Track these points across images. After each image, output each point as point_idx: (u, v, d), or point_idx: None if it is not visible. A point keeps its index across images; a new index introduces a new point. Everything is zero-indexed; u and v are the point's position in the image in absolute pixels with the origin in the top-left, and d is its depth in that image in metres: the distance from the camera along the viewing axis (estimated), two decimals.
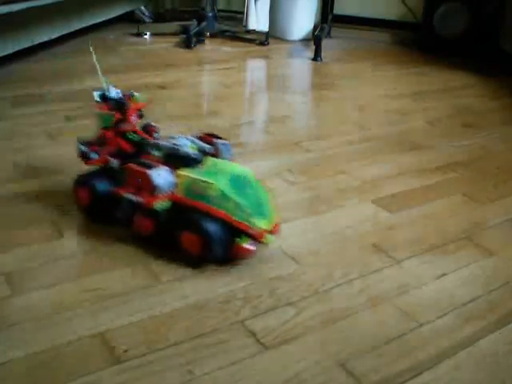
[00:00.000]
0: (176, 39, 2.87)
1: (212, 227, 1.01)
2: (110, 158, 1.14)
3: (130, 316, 0.92)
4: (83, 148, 1.18)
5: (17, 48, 2.30)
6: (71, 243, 1.12)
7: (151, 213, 1.05)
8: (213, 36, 3.02)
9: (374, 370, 0.84)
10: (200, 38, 2.88)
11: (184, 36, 2.81)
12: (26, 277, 1.01)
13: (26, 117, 1.77)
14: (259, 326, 0.91)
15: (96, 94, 1.16)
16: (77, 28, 2.73)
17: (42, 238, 1.13)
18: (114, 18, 3.06)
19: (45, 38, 2.48)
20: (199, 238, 1.01)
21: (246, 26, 2.99)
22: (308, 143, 1.68)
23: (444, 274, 1.08)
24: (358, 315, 0.96)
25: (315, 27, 3.00)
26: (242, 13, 3.00)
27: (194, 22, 2.91)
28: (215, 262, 1.05)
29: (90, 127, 1.71)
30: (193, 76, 2.35)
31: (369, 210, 1.31)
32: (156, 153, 1.11)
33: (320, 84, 2.41)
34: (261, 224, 1.03)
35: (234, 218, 1.01)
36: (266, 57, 2.76)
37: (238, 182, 1.05)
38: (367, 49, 3.00)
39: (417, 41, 3.03)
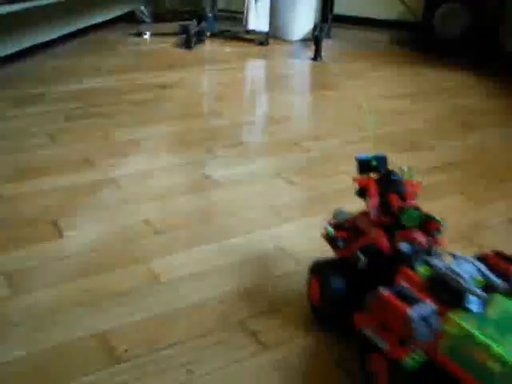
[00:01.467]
0: (176, 39, 2.87)
1: None
2: (359, 253, 0.84)
3: (130, 316, 0.92)
4: (331, 232, 0.92)
5: (17, 48, 2.30)
6: (71, 243, 1.12)
7: (395, 367, 0.71)
8: (213, 36, 3.02)
9: None
10: (200, 38, 2.88)
11: (184, 36, 2.81)
12: (26, 277, 1.01)
13: (26, 117, 1.78)
14: (259, 325, 0.92)
15: (360, 160, 0.90)
16: (77, 28, 2.73)
17: (42, 238, 1.13)
18: (114, 18, 3.06)
19: (45, 38, 2.48)
20: None
21: (245, 26, 2.99)
22: (308, 143, 1.68)
23: None
24: None
25: (315, 27, 3.00)
26: (242, 13, 3.00)
27: (194, 22, 2.92)
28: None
29: (89, 127, 1.72)
30: (193, 76, 2.35)
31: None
32: (422, 270, 0.75)
33: (320, 84, 2.41)
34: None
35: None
36: (265, 57, 2.76)
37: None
38: (367, 49, 3.00)
39: (416, 41, 3.03)
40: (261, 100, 2.17)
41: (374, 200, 0.83)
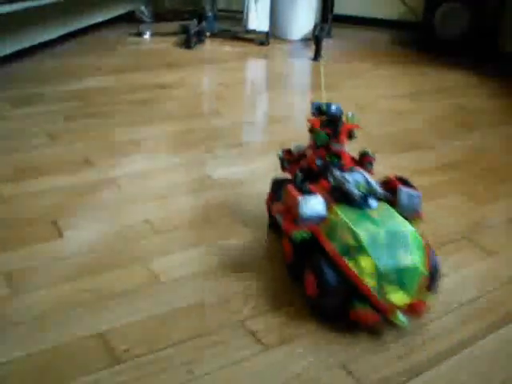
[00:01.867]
0: (176, 39, 2.87)
1: (332, 277, 0.88)
2: (298, 171, 1.11)
3: (130, 316, 0.92)
4: (281, 155, 1.21)
5: (17, 48, 2.30)
6: (71, 243, 1.12)
7: (291, 240, 0.97)
8: (213, 36, 3.02)
9: (374, 370, 0.84)
10: (200, 37, 2.88)
11: (184, 36, 2.80)
12: (26, 277, 1.01)
13: (25, 117, 1.77)
14: (259, 325, 0.92)
15: (314, 105, 1.13)
16: (77, 28, 2.73)
17: (42, 238, 1.13)
18: (114, 18, 3.06)
19: (45, 38, 2.48)
20: (316, 280, 0.91)
21: (246, 25, 2.99)
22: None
23: (444, 275, 1.08)
24: None
25: (315, 27, 3.00)
26: (242, 12, 2.99)
27: (194, 22, 2.91)
28: (326, 319, 0.93)
29: (89, 127, 1.72)
30: (193, 76, 2.35)
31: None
32: (332, 181, 1.00)
33: (319, 84, 2.41)
34: (394, 298, 0.86)
35: (362, 280, 0.86)
36: (266, 57, 2.76)
37: (393, 239, 0.89)
38: (367, 49, 3.00)
39: (416, 41, 3.03)
40: (261, 100, 2.17)
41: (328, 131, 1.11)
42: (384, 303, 0.87)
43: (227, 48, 2.86)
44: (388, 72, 2.57)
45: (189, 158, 1.55)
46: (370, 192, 0.97)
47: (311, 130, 1.11)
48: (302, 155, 1.14)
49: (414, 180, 1.47)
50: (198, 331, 0.90)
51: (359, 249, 0.87)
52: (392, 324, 0.89)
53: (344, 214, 0.92)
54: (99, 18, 2.92)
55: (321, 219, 0.95)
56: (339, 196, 0.97)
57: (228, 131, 1.76)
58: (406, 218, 0.95)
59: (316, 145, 1.10)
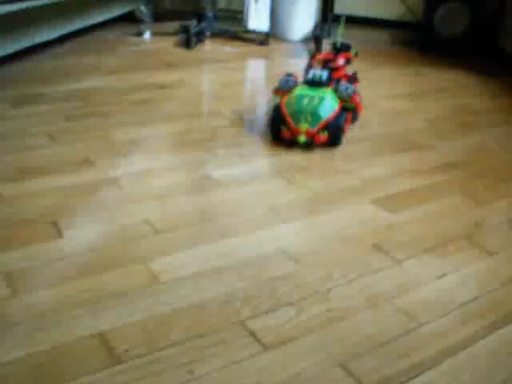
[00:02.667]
0: (176, 39, 2.87)
1: (274, 112, 1.67)
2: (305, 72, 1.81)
3: (130, 316, 0.92)
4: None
5: (17, 48, 2.30)
6: (71, 243, 1.12)
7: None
8: (213, 36, 3.02)
9: (374, 370, 0.84)
10: (200, 37, 2.88)
11: (184, 36, 2.80)
12: (26, 277, 1.01)
13: (26, 117, 1.77)
14: (259, 325, 0.92)
15: (333, 44, 1.87)
16: (77, 28, 2.72)
17: (42, 238, 1.13)
18: (114, 18, 3.05)
19: (45, 38, 2.48)
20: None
21: (246, 25, 2.99)
22: None
23: (444, 275, 1.08)
24: (358, 315, 0.96)
25: (315, 27, 2.99)
26: (242, 12, 2.99)
27: (194, 22, 2.91)
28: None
29: (89, 127, 1.72)
30: (193, 76, 2.35)
31: (368, 210, 1.31)
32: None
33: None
34: (301, 126, 1.59)
35: (288, 114, 1.62)
36: (266, 57, 2.76)
37: (315, 98, 1.64)
38: (367, 49, 2.99)
39: (416, 41, 3.03)
40: (261, 100, 2.17)
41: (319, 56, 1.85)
42: (295, 128, 1.61)
43: (227, 48, 2.86)
44: (388, 72, 2.57)
45: (189, 157, 1.55)
46: (319, 79, 1.71)
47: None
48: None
49: (413, 180, 1.48)
50: (198, 331, 0.90)
51: (293, 101, 1.65)
52: (298, 145, 1.61)
53: (301, 86, 1.72)
54: (99, 18, 2.92)
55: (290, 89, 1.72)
56: (304, 80, 1.75)
57: (228, 131, 1.76)
58: (342, 99, 1.69)
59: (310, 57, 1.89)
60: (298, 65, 2.69)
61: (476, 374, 0.85)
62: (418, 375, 0.84)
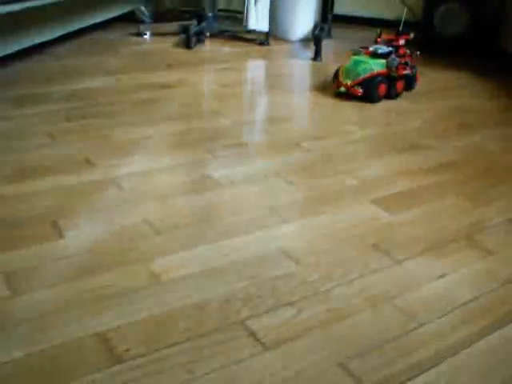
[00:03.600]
0: (176, 39, 2.87)
1: (336, 69, 2.20)
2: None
3: (130, 316, 0.92)
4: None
5: (17, 48, 2.30)
6: (71, 243, 1.12)
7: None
8: (213, 36, 3.02)
9: (374, 370, 0.84)
10: (200, 38, 2.88)
11: (184, 36, 2.80)
12: (26, 277, 1.01)
13: (26, 117, 1.78)
14: (259, 325, 0.92)
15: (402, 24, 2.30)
16: (77, 28, 2.73)
17: (42, 238, 1.13)
18: (114, 18, 3.06)
19: (45, 38, 2.48)
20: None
21: (246, 26, 2.99)
22: (308, 143, 1.69)
23: (444, 274, 1.08)
24: (358, 315, 0.96)
25: (315, 27, 3.00)
26: (242, 13, 2.99)
27: (194, 22, 2.91)
28: None
29: (90, 127, 1.72)
30: (193, 76, 2.35)
31: (368, 210, 1.31)
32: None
33: (320, 84, 2.41)
34: (345, 80, 2.11)
35: (342, 72, 2.14)
36: (265, 57, 2.76)
37: (363, 63, 2.09)
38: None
39: (416, 41, 3.03)
40: (261, 100, 2.17)
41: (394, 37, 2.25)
42: (340, 81, 2.14)
43: (227, 48, 2.86)
44: None
45: (189, 158, 1.55)
46: (379, 51, 2.15)
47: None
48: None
49: (413, 180, 1.48)
50: (198, 331, 0.90)
51: (351, 64, 2.13)
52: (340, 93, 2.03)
53: (361, 54, 2.18)
54: (99, 18, 2.92)
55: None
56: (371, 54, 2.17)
57: (228, 131, 1.76)
58: (389, 68, 2.11)
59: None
60: (298, 64, 2.69)
61: (476, 374, 0.85)
62: (417, 375, 0.84)
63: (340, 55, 2.83)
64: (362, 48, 2.19)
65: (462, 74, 2.56)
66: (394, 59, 2.10)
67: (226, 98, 2.10)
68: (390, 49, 2.15)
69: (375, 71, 2.08)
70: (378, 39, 2.25)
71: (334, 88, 2.17)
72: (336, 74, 2.17)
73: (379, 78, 2.09)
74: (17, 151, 1.53)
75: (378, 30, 2.25)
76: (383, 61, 2.10)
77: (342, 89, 2.11)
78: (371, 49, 2.15)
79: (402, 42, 2.23)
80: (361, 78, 2.07)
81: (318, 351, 0.87)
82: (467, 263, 1.13)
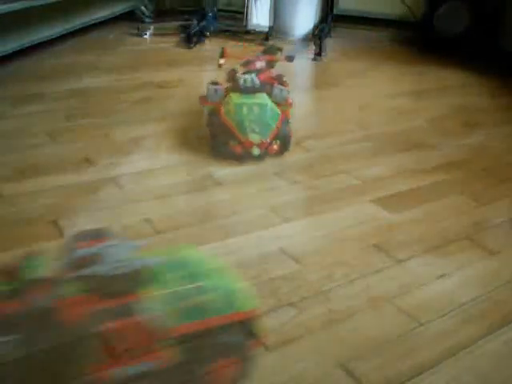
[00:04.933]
0: (176, 38, 2.86)
1: (217, 126, 1.52)
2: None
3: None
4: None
5: (17, 47, 2.30)
6: None
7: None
8: (213, 35, 3.01)
9: (376, 371, 0.84)
10: (200, 36, 2.87)
11: (184, 35, 2.80)
12: None
13: (25, 116, 1.77)
14: (260, 326, 0.91)
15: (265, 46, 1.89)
16: (77, 27, 2.72)
17: (42, 238, 1.12)
18: (114, 17, 3.05)
19: (45, 37, 2.47)
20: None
21: (246, 24, 2.98)
22: (308, 143, 1.68)
23: (445, 275, 1.08)
24: (359, 316, 0.96)
25: (316, 26, 2.99)
26: (243, 11, 2.99)
27: (195, 21, 2.91)
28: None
29: (89, 126, 1.72)
30: (193, 75, 2.34)
31: (369, 210, 1.31)
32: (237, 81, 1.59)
33: (321, 83, 2.41)
34: (253, 138, 1.47)
35: (234, 127, 1.47)
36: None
37: (257, 105, 1.49)
38: (367, 48, 2.99)
39: (417, 39, 3.03)
40: None
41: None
42: (247, 141, 1.47)
43: (228, 47, 2.85)
44: (389, 71, 2.56)
45: (190, 157, 1.54)
46: (252, 84, 1.55)
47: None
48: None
49: (414, 179, 1.48)
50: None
51: (234, 111, 1.47)
52: (250, 157, 1.48)
53: (232, 94, 1.53)
54: (99, 16, 2.91)
55: (218, 98, 1.55)
56: (234, 87, 1.56)
57: None
58: (278, 104, 1.55)
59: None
60: (300, 62, 2.69)
61: (477, 374, 0.85)
62: (419, 376, 0.83)
63: (341, 54, 2.83)
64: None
65: (463, 73, 2.55)
66: (282, 90, 1.57)
67: None
68: (255, 77, 1.58)
69: (281, 114, 1.54)
70: (221, 60, 1.80)
71: (235, 151, 1.49)
72: (224, 133, 1.49)
73: (288, 121, 1.58)
74: (16, 150, 1.52)
75: (221, 49, 1.79)
76: (265, 96, 1.54)
77: (256, 150, 1.48)
78: (241, 83, 1.55)
79: (259, 64, 1.70)
80: (275, 128, 1.50)
81: (319, 352, 0.87)
82: (469, 263, 1.12)
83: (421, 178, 1.49)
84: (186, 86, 2.18)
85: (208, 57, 2.68)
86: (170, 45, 2.79)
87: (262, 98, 1.53)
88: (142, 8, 3.23)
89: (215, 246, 1.13)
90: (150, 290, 0.69)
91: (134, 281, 0.68)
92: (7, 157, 1.49)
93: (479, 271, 1.10)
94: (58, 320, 0.68)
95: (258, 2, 2.93)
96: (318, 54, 2.68)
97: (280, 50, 1.83)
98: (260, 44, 2.87)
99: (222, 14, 3.21)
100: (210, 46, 2.87)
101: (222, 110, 1.51)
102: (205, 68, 2.49)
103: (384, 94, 2.22)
